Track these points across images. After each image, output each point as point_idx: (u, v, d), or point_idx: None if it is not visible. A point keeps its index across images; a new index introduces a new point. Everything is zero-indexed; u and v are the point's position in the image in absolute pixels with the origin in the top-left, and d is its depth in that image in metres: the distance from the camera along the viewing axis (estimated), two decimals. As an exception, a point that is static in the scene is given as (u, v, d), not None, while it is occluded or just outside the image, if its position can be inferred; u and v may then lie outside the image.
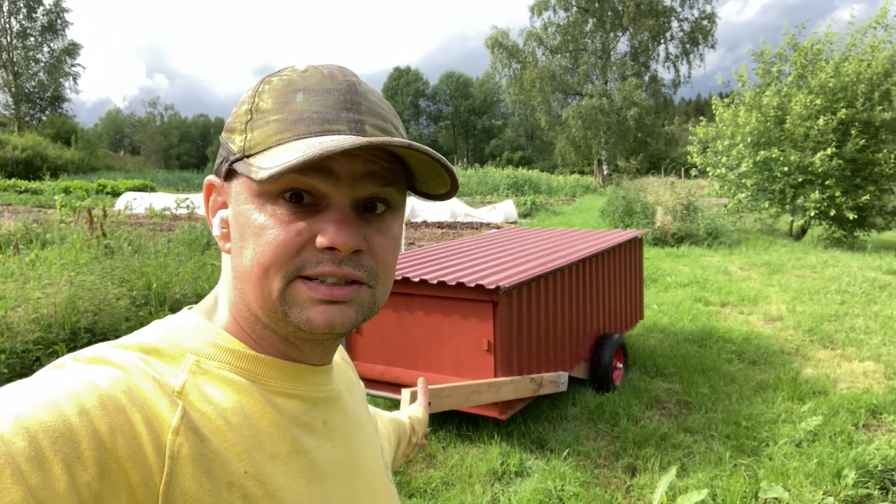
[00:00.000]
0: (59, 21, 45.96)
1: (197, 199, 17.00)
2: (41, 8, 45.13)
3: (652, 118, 34.38)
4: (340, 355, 0.86)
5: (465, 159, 38.43)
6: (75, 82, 48.07)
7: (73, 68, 47.39)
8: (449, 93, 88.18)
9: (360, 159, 0.65)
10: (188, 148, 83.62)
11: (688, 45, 35.31)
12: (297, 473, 0.66)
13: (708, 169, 15.87)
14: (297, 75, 0.68)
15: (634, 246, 6.11)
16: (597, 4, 34.97)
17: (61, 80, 46.57)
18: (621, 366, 5.44)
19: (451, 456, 4.22)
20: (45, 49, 46.02)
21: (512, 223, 16.54)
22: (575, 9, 35.60)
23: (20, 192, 25.01)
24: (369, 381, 4.63)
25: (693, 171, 17.54)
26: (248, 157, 0.65)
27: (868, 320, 7.07)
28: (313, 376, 0.73)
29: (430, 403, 3.71)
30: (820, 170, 12.98)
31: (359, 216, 0.67)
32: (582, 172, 41.15)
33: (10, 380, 3.38)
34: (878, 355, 5.95)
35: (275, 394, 0.68)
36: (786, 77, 14.79)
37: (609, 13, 35.05)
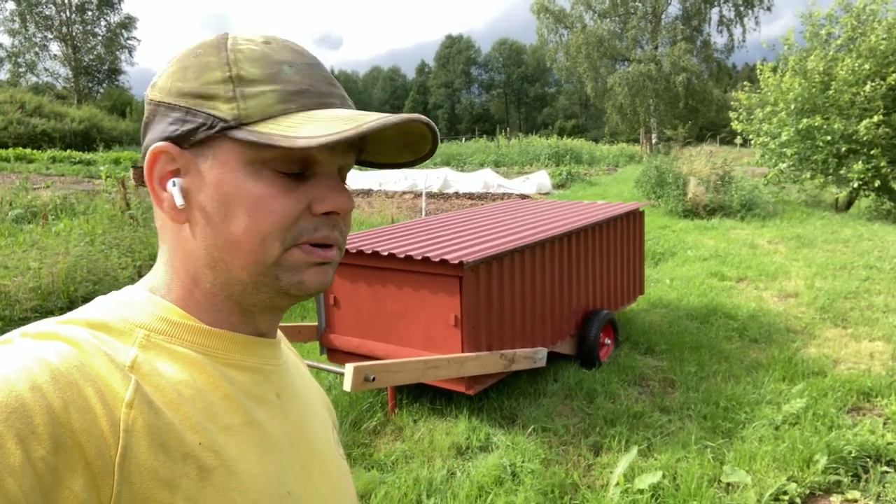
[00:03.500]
0: (115, -5, 47.01)
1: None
2: (98, -18, 46.19)
3: (703, 84, 33.14)
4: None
5: (507, 129, 37.80)
6: (131, 55, 49.00)
7: (129, 41, 48.57)
8: (501, 60, 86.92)
9: None
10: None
11: (742, 8, 33.79)
12: (250, 444, 0.66)
13: (751, 137, 15.28)
14: (266, 47, 0.68)
15: (633, 220, 5.95)
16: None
17: (117, 52, 47.79)
18: (610, 342, 5.34)
19: (419, 429, 4.24)
20: (102, 23, 47.24)
21: (544, 194, 16.32)
22: (624, -29, 34.41)
23: (74, 163, 25.93)
24: (345, 354, 4.67)
25: (738, 140, 16.91)
26: (244, 124, 0.65)
27: (889, 298, 6.74)
28: (264, 349, 0.74)
29: (374, 378, 3.69)
30: (865, 138, 12.33)
31: None
32: (637, 141, 40.14)
33: None
34: (891, 335, 5.68)
35: (227, 366, 0.69)
36: (835, 40, 14.02)
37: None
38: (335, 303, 4.67)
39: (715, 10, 34.65)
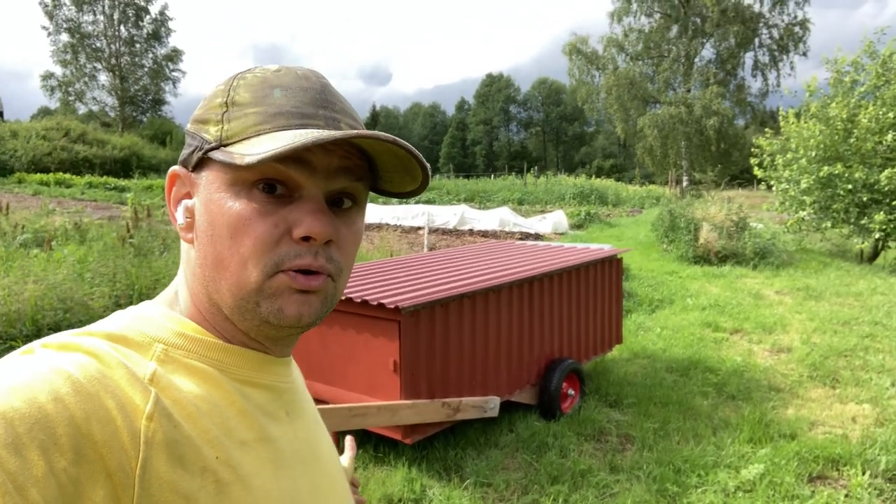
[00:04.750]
0: (163, 29, 48.67)
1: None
2: (147, 17, 47.93)
3: (735, 127, 32.72)
4: None
5: (535, 167, 37.79)
6: (175, 86, 50.32)
7: (174, 73, 50.12)
8: (540, 99, 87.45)
9: (336, 154, 0.67)
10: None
11: (776, 53, 33.43)
12: (265, 460, 0.67)
13: (772, 183, 14.97)
14: (272, 74, 0.70)
15: (609, 267, 5.79)
16: (682, 11, 33.67)
17: (162, 84, 49.31)
18: (574, 393, 5.15)
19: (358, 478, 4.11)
20: (150, 55, 48.88)
21: (561, 234, 16.16)
22: (658, 14, 34.44)
23: (108, 189, 26.63)
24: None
25: (762, 186, 16.56)
26: (224, 146, 0.66)
27: (888, 357, 6.41)
28: (277, 367, 0.74)
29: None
30: (887, 188, 11.96)
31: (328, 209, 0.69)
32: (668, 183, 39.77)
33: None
34: (878, 398, 5.37)
35: (242, 382, 0.69)
36: (859, 87, 13.71)
37: (695, 19, 33.62)
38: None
39: (749, 55, 34.39)
